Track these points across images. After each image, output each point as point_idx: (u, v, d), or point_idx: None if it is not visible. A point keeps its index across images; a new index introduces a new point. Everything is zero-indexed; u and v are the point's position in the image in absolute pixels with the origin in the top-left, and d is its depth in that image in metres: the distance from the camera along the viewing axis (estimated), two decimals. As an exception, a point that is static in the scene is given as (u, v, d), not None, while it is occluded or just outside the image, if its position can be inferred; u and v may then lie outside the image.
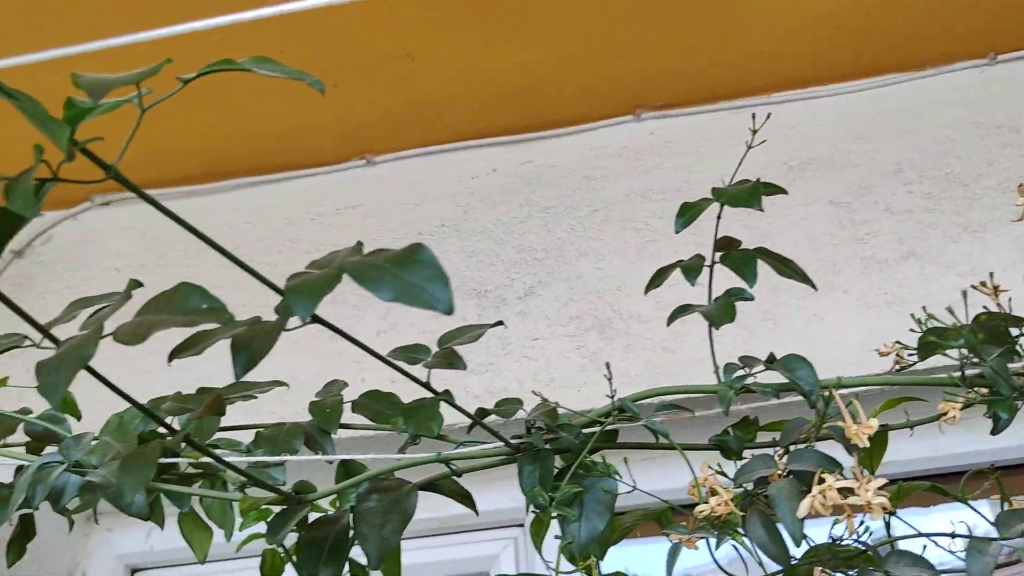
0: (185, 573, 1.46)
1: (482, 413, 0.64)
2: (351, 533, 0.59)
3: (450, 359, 0.56)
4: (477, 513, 0.66)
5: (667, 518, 0.65)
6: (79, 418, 0.74)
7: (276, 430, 0.70)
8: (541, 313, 1.39)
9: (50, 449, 0.75)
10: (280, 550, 0.71)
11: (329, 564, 0.59)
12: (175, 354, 0.46)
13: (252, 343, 0.43)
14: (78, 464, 0.60)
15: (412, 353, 0.59)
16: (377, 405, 0.75)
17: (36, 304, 1.54)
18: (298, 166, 1.60)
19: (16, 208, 0.35)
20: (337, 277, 0.43)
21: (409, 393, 0.77)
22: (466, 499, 0.65)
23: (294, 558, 0.74)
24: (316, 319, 0.47)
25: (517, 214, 1.48)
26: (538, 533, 0.91)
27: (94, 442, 0.63)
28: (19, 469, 0.74)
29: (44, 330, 0.44)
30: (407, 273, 0.41)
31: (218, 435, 0.71)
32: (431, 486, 0.63)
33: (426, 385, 0.55)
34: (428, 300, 0.40)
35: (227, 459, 0.67)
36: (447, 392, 0.58)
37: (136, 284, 0.50)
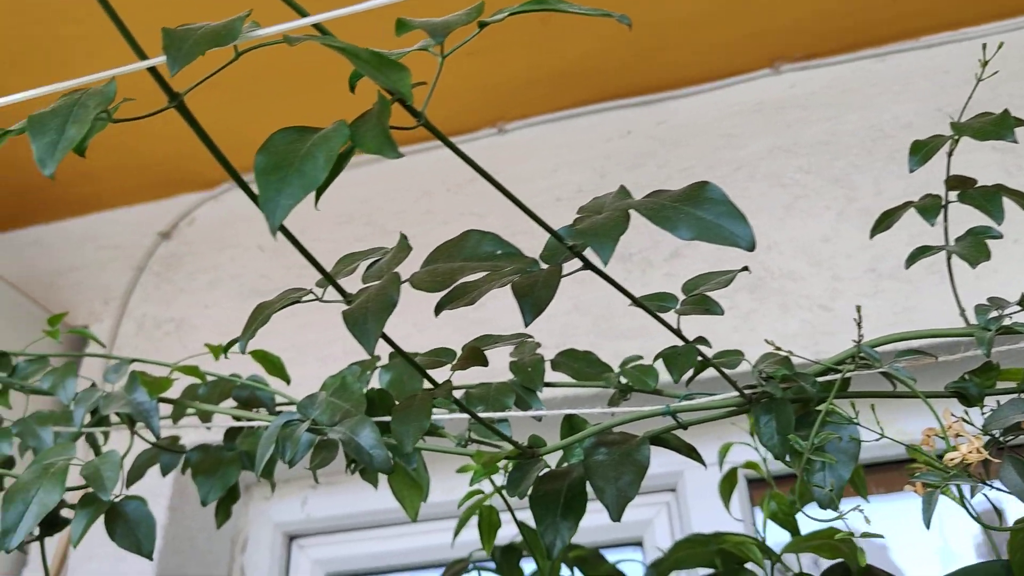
0: (338, 539, 1.50)
1: (701, 366, 0.63)
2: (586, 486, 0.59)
3: (705, 304, 0.54)
4: (705, 466, 0.64)
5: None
6: (288, 381, 0.76)
7: (484, 389, 0.70)
8: (688, 275, 1.36)
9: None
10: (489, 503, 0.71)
11: (567, 516, 0.58)
12: (444, 304, 0.46)
13: (534, 290, 0.42)
14: (313, 423, 0.61)
15: (660, 301, 0.58)
16: (576, 363, 0.75)
17: (186, 283, 1.59)
18: (430, 137, 1.61)
19: (372, 149, 0.35)
20: (626, 218, 0.41)
21: (610, 354, 0.76)
22: (692, 452, 0.63)
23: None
24: (588, 265, 0.46)
25: (655, 176, 1.45)
26: (727, 491, 0.90)
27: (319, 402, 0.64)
28: (229, 432, 0.76)
29: (332, 279, 0.44)
30: (700, 211, 0.40)
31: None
32: (658, 440, 0.62)
33: (677, 332, 0.53)
34: (729, 237, 0.39)
35: (445, 419, 0.68)
36: (701, 339, 0.56)
37: (405, 243, 0.49)
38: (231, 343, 0.79)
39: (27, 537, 0.79)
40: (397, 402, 0.67)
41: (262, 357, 0.74)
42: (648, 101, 1.52)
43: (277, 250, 1.58)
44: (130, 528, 0.60)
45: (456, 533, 0.87)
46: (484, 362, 0.54)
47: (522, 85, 1.53)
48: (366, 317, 0.38)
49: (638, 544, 1.37)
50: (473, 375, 1.01)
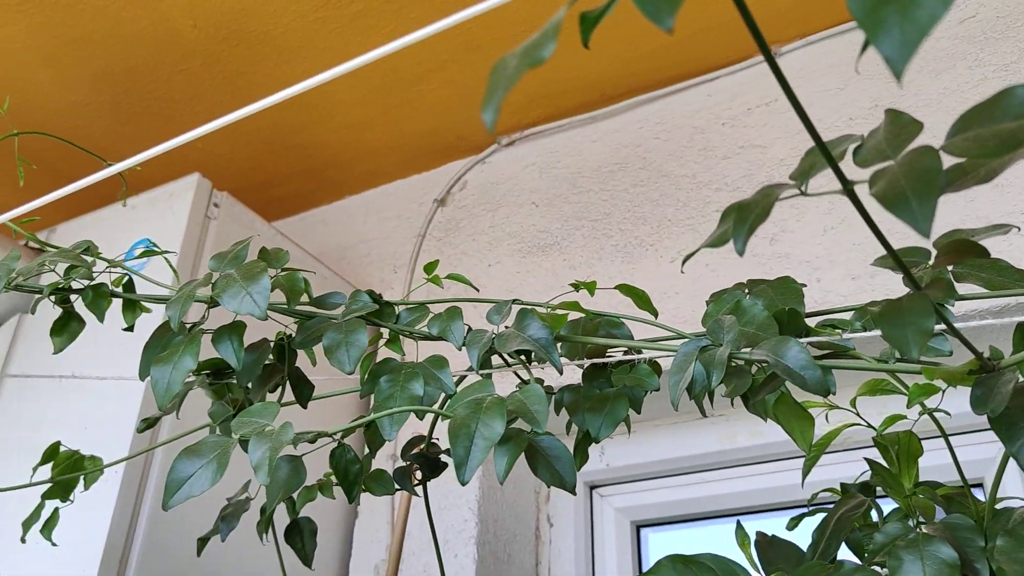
0: (639, 488, 1.49)
1: None
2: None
3: None
4: None
5: None
6: (656, 314, 0.73)
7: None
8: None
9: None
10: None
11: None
12: (956, 181, 0.40)
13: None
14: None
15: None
16: (984, 272, 0.67)
17: (467, 245, 1.62)
18: (697, 73, 1.54)
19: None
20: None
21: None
22: None
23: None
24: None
25: (967, 78, 1.30)
26: None
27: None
28: (590, 370, 0.74)
29: (833, 162, 0.40)
30: None
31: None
32: None
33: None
34: None
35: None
36: None
37: (909, 118, 0.43)
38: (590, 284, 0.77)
39: (411, 482, 0.83)
40: (808, 323, 0.63)
41: (629, 290, 0.72)
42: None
43: (551, 204, 1.58)
44: (550, 463, 0.60)
45: (807, 470, 0.81)
46: (984, 253, 0.48)
47: (791, 4, 1.42)
48: (906, 196, 0.33)
49: None
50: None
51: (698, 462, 1.43)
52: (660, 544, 1.48)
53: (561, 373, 0.64)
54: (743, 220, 0.39)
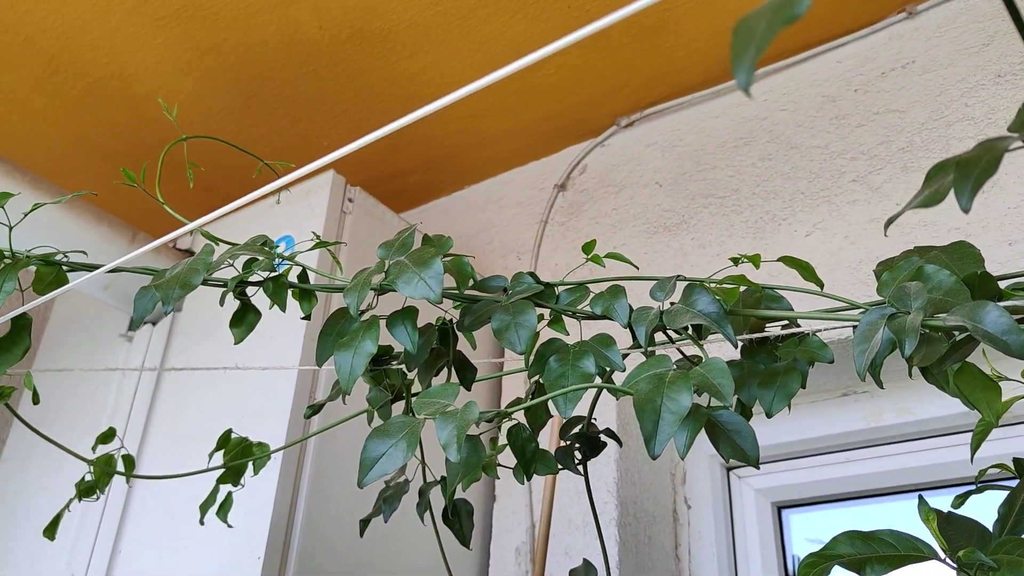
0: (777, 468, 1.46)
1: None
2: None
3: None
4: None
5: None
6: (822, 285, 0.71)
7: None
8: None
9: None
10: None
11: None
12: None
13: None
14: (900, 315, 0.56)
15: None
16: None
17: (590, 228, 1.62)
18: (824, 40, 1.49)
19: None
20: None
21: None
22: None
23: None
24: None
25: None
26: None
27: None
28: (747, 346, 0.73)
29: None
30: None
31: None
32: None
33: None
34: None
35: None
36: None
37: None
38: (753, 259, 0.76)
39: (577, 458, 0.83)
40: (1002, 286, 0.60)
41: (793, 262, 0.71)
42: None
43: (675, 183, 1.56)
44: (731, 437, 0.60)
45: (976, 445, 0.77)
46: None
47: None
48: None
49: None
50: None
51: (841, 440, 1.39)
52: (803, 525, 1.45)
53: (736, 347, 0.63)
54: (966, 175, 0.37)
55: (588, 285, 0.74)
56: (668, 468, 1.51)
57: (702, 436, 1.45)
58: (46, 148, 1.83)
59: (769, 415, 0.67)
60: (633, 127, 1.68)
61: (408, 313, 0.68)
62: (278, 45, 1.57)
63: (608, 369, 0.66)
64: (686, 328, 0.65)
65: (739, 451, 0.59)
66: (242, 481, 0.95)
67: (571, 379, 0.64)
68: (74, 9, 1.51)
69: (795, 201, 1.40)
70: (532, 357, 0.69)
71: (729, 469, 1.51)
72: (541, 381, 0.70)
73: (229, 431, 0.93)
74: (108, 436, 0.94)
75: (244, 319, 0.73)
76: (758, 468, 0.60)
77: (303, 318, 0.70)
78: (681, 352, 0.72)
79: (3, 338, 0.69)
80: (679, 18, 1.45)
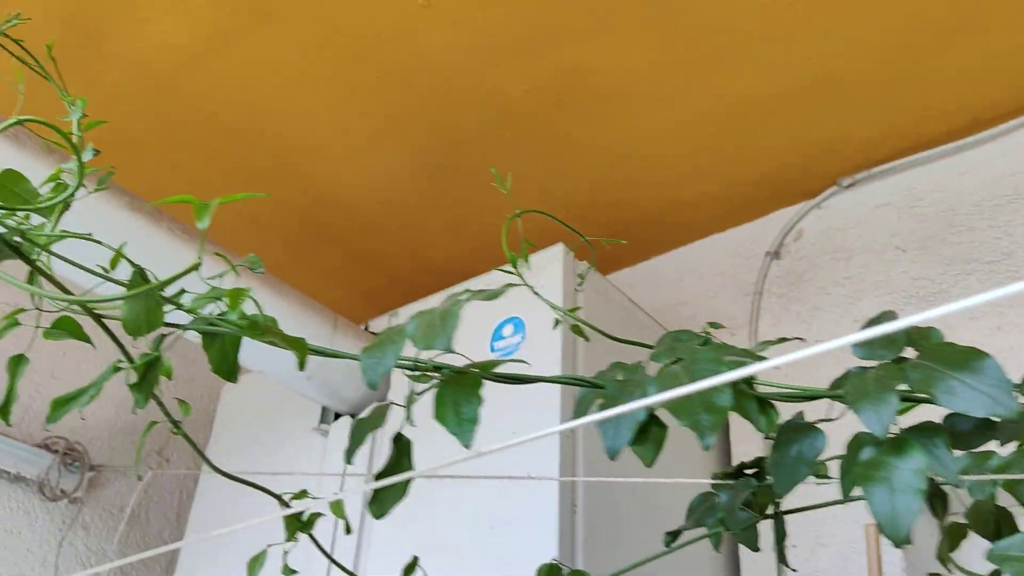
0: None
1: None
2: None
3: None
4: None
5: None
6: None
7: None
8: None
9: None
10: None
11: None
12: None
13: None
14: None
15: None
16: None
17: (819, 299, 1.43)
18: None
19: None
20: None
21: None
22: None
23: None
24: None
25: None
26: None
27: None
28: None
29: None
30: None
31: None
32: None
33: None
34: None
35: None
36: None
37: None
38: None
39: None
40: None
41: None
42: None
43: (923, 247, 1.40)
44: None
45: None
46: None
47: None
48: None
49: None
50: None
51: None
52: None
53: None
54: None
55: None
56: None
57: None
58: (221, 224, 1.75)
59: None
60: (855, 187, 1.53)
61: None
62: (477, 109, 1.46)
63: None
64: None
65: None
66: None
67: None
68: (264, 76, 1.42)
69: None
70: None
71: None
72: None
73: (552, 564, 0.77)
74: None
75: (648, 435, 0.59)
76: None
77: (767, 437, 0.55)
78: None
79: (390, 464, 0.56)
80: (921, 68, 1.31)
